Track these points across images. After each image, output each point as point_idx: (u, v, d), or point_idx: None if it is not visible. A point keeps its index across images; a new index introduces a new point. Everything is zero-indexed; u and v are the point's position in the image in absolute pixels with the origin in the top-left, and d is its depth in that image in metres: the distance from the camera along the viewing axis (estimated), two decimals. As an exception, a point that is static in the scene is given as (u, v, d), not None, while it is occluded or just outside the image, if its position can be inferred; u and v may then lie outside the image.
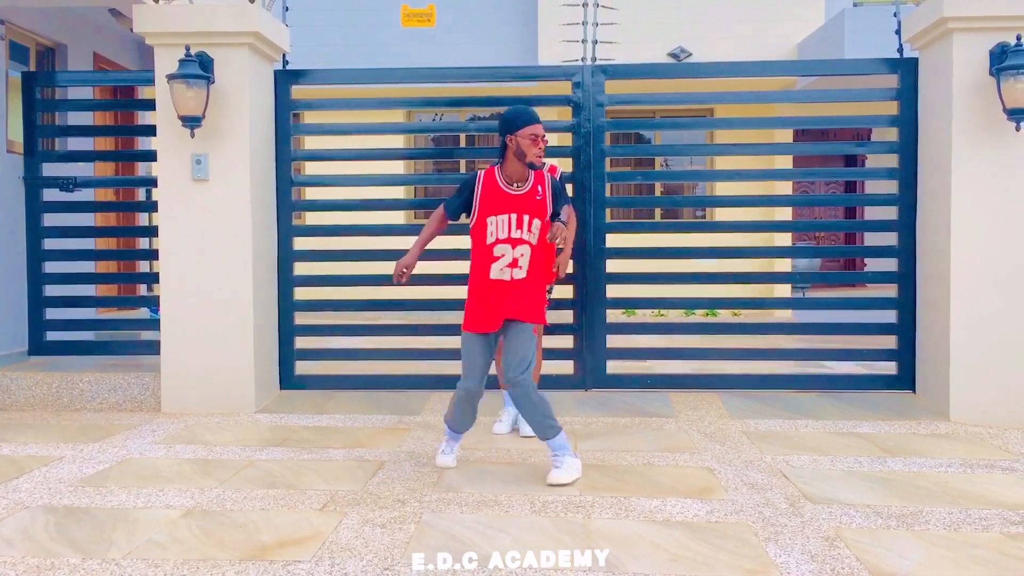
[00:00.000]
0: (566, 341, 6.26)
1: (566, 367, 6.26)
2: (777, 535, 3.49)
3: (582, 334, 6.20)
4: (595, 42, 6.52)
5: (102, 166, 8.09)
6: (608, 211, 6.29)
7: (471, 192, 4.31)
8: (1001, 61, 5.24)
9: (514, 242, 4.23)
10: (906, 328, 6.03)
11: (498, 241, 4.23)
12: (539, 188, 4.29)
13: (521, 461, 4.61)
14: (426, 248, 4.57)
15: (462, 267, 6.33)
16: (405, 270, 4.44)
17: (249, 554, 3.30)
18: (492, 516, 3.72)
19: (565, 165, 6.42)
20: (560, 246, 4.44)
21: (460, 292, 6.35)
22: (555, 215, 4.32)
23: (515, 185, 4.27)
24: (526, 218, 4.24)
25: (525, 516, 3.72)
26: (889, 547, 3.36)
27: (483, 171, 4.35)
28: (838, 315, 6.63)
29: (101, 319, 7.32)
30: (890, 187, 6.14)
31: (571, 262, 4.76)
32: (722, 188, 11.47)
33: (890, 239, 6.13)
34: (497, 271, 4.24)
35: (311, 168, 8.44)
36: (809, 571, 3.12)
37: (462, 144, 12.53)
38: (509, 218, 4.23)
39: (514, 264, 4.24)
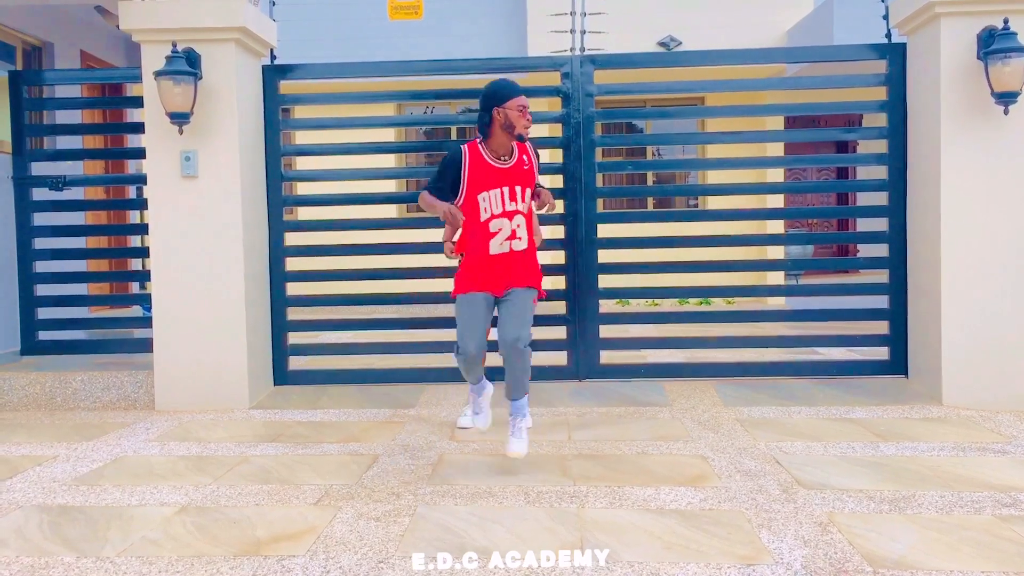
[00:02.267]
0: (559, 332, 6.27)
1: (559, 358, 6.27)
2: (770, 521, 3.50)
3: (575, 325, 6.20)
4: (584, 32, 6.52)
5: (91, 164, 8.07)
6: (599, 201, 6.29)
7: (457, 171, 4.26)
8: (988, 45, 5.24)
9: (510, 215, 4.21)
10: (898, 313, 6.05)
11: (493, 216, 4.21)
12: (524, 158, 4.31)
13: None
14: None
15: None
16: (452, 242, 4.47)
17: (244, 549, 3.31)
18: (486, 508, 3.73)
19: (555, 156, 6.42)
20: (548, 212, 4.37)
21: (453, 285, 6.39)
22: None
23: (502, 158, 4.26)
24: (518, 189, 4.23)
25: (519, 507, 3.73)
26: (881, 531, 3.38)
27: (465, 148, 4.29)
28: (830, 301, 6.65)
29: (93, 318, 7.30)
30: (880, 172, 6.15)
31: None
32: (713, 176, 11.47)
33: (881, 224, 6.15)
34: (497, 246, 4.22)
35: (301, 163, 8.43)
36: (802, 556, 3.14)
37: (453, 136, 12.48)
38: (501, 192, 4.21)
39: (513, 236, 4.23)
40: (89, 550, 3.34)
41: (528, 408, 4.37)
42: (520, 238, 4.25)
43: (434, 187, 4.32)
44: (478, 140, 4.30)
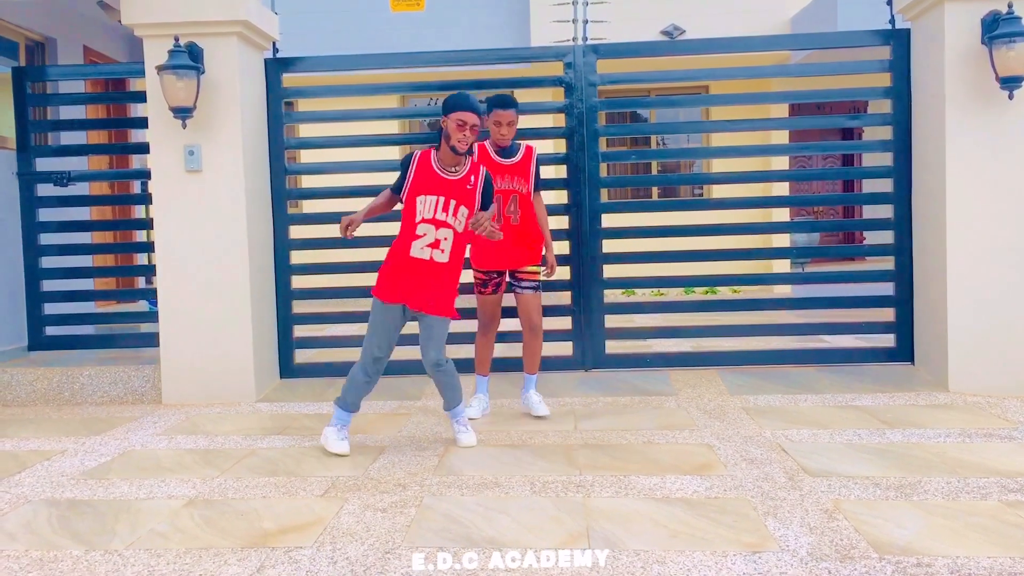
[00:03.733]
0: (565, 322, 6.27)
1: (565, 348, 6.27)
2: (776, 509, 3.50)
3: (580, 315, 6.20)
4: (586, 21, 6.50)
5: (96, 160, 8.09)
6: (603, 191, 6.28)
7: (406, 171, 4.45)
8: (993, 30, 5.21)
9: (438, 223, 4.34)
10: (904, 300, 6.03)
11: (423, 220, 4.35)
12: (471, 178, 4.42)
13: (521, 443, 4.62)
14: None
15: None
16: (351, 224, 4.48)
17: (251, 541, 3.32)
18: (492, 498, 3.74)
19: (559, 146, 6.41)
20: (481, 232, 4.37)
21: (463, 276, 6.38)
22: (484, 208, 4.46)
23: (450, 169, 4.41)
24: (452, 203, 4.35)
25: (525, 497, 3.74)
26: (888, 518, 3.38)
27: (418, 152, 4.49)
28: (836, 289, 6.64)
29: (100, 313, 7.33)
30: (885, 159, 6.13)
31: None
32: (718, 165, 11.45)
33: (886, 211, 6.13)
34: (418, 249, 4.35)
35: (305, 156, 8.42)
36: (808, 543, 3.14)
37: (457, 128, 12.48)
38: (437, 200, 4.36)
39: (435, 245, 4.35)
40: (98, 543, 3.36)
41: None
42: (443, 251, 4.36)
43: (395, 184, 4.54)
44: (435, 147, 4.50)
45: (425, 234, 4.33)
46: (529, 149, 5.07)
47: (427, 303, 4.37)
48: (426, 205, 4.33)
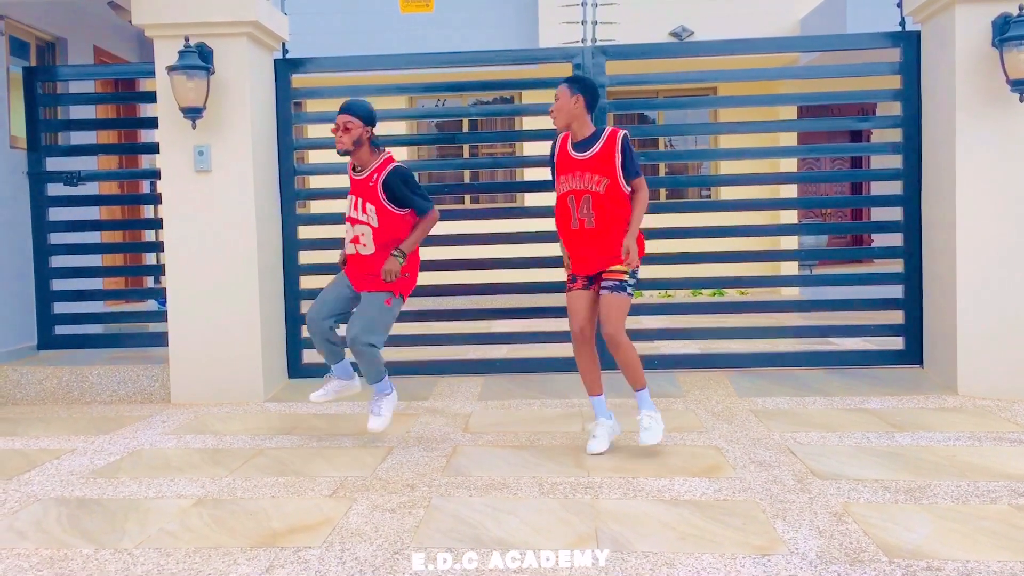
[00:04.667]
0: (572, 324, 6.26)
1: (572, 350, 6.25)
2: (785, 512, 3.50)
3: (588, 316, 6.18)
4: (595, 23, 6.50)
5: (106, 159, 8.11)
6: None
7: None
8: (1004, 32, 5.20)
9: (353, 221, 4.60)
10: (913, 302, 6.01)
11: (347, 218, 4.66)
12: (374, 175, 4.55)
13: (529, 444, 4.63)
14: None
15: (469, 252, 6.36)
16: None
17: (260, 541, 3.33)
18: (500, 499, 3.74)
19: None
20: (388, 279, 4.48)
21: (468, 277, 6.39)
22: (410, 208, 4.54)
23: (356, 169, 4.65)
24: (360, 201, 4.56)
25: (533, 498, 3.74)
26: (897, 521, 3.37)
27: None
28: (845, 291, 6.62)
29: (109, 312, 7.35)
30: (895, 161, 6.12)
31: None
32: (727, 167, 11.42)
33: (896, 214, 6.11)
34: (348, 245, 4.66)
35: (314, 156, 8.44)
36: (817, 547, 3.13)
37: (465, 129, 12.49)
38: (354, 200, 4.61)
39: (356, 241, 4.59)
40: (107, 542, 3.37)
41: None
42: (364, 244, 4.55)
43: None
44: None
45: (347, 232, 4.65)
46: (612, 135, 4.31)
47: (363, 284, 4.63)
48: (349, 204, 4.66)
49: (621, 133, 4.34)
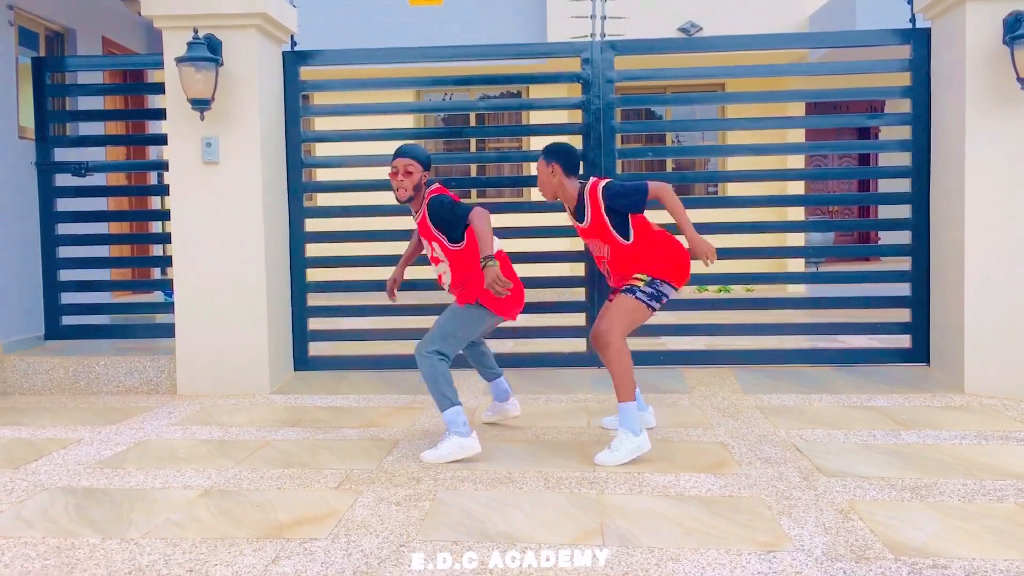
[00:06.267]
0: (578, 319, 6.27)
1: (579, 345, 6.27)
2: (791, 508, 3.50)
3: (594, 312, 6.19)
4: (604, 17, 6.50)
5: (113, 150, 8.12)
6: (619, 188, 6.26)
7: None
8: (1015, 30, 5.17)
9: (435, 261, 4.58)
10: (920, 301, 6.00)
11: (430, 258, 4.64)
12: (424, 215, 4.46)
13: (535, 439, 4.63)
14: None
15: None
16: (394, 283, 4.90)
17: (266, 532, 3.34)
18: (506, 493, 3.74)
19: (575, 143, 6.37)
20: (497, 288, 4.14)
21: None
22: (453, 239, 4.39)
23: (414, 214, 4.57)
24: (427, 242, 4.55)
25: (539, 492, 3.74)
26: (903, 519, 3.36)
27: None
28: (851, 289, 6.60)
29: (116, 303, 7.37)
30: (903, 159, 6.10)
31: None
32: (734, 163, 11.41)
33: (903, 211, 6.09)
34: (437, 277, 4.65)
35: (321, 149, 8.44)
36: (823, 543, 3.13)
37: (472, 123, 12.47)
38: (425, 242, 4.58)
39: (440, 281, 4.62)
40: (114, 532, 3.38)
41: (456, 420, 4.22)
42: (444, 282, 4.58)
43: None
44: None
45: (435, 268, 4.63)
46: (594, 197, 4.24)
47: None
48: (426, 246, 4.62)
49: (600, 188, 4.24)
